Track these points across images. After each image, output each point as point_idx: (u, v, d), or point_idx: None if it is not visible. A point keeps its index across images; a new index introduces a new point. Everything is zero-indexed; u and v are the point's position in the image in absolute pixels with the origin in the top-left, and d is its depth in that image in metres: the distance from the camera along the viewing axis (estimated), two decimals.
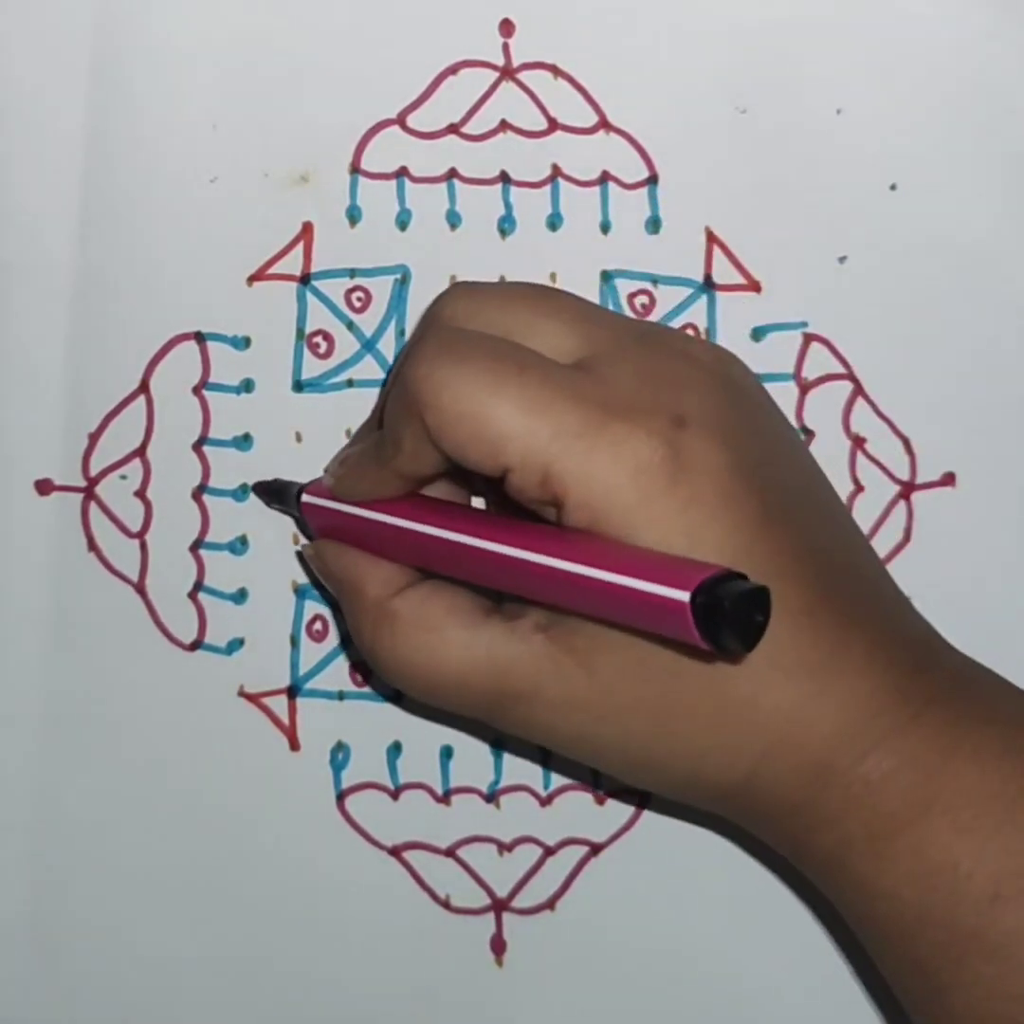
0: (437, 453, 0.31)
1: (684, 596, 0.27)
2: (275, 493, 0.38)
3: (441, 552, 0.32)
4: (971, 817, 0.30)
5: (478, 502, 0.37)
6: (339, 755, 0.39)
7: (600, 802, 0.40)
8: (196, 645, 0.39)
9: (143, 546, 0.39)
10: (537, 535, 0.31)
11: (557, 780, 0.40)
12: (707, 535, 0.30)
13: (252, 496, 0.39)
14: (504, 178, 0.39)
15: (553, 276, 0.39)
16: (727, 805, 0.33)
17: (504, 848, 0.40)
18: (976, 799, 0.30)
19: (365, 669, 0.40)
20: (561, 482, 0.30)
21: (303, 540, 0.39)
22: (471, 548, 0.32)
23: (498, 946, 0.39)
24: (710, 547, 0.30)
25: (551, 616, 0.32)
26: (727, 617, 0.27)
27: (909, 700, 0.31)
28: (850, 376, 0.40)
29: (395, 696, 0.40)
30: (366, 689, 0.40)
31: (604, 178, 0.39)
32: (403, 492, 0.34)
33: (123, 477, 0.39)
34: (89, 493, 0.39)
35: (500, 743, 0.39)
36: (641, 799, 0.39)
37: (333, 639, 0.40)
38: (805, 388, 0.40)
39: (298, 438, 0.39)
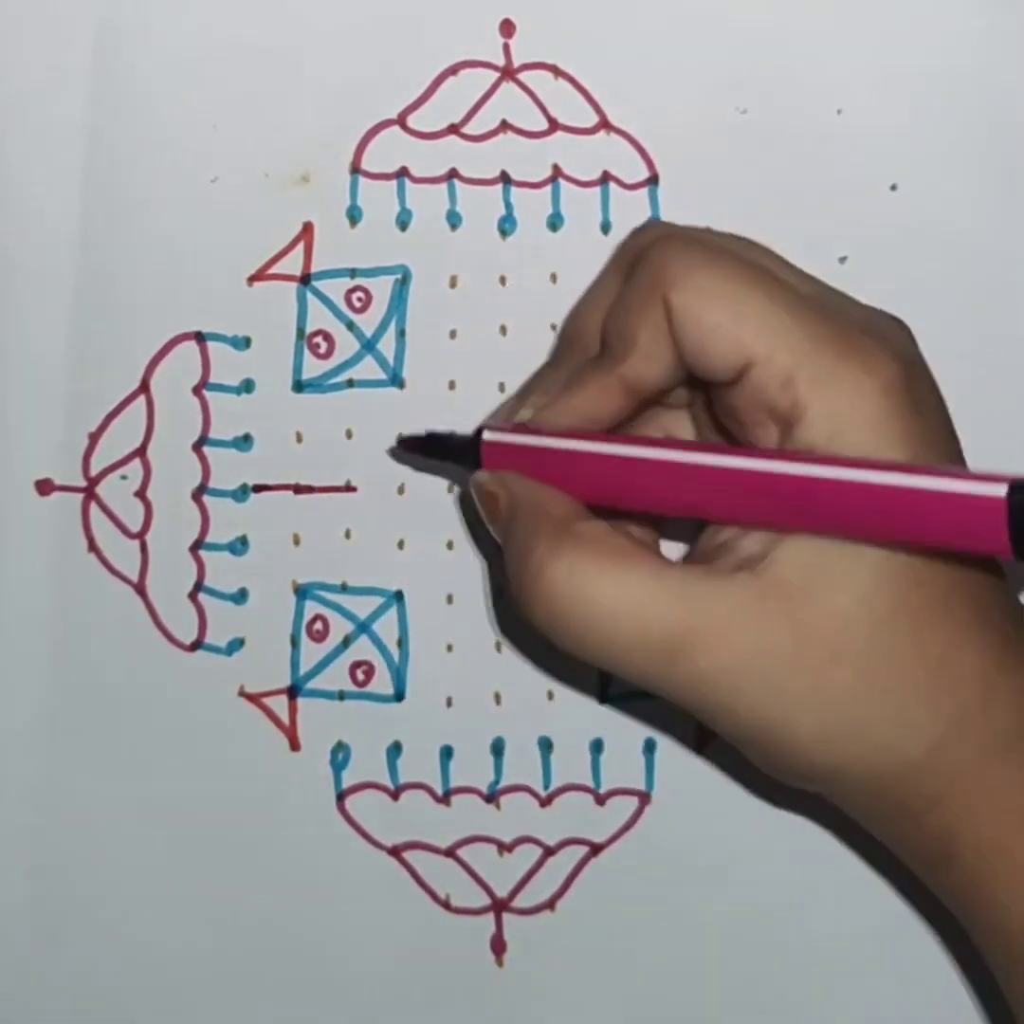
0: (672, 352, 0.30)
1: (1000, 491, 0.26)
2: (434, 448, 0.36)
3: (660, 479, 0.31)
4: None
5: None
6: (339, 755, 0.39)
7: (600, 802, 0.40)
8: (196, 645, 0.39)
9: (143, 546, 0.39)
10: (785, 454, 0.30)
11: (557, 780, 0.40)
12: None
13: (252, 496, 0.39)
14: (505, 178, 0.39)
15: (554, 277, 0.39)
16: (894, 790, 0.31)
17: (504, 848, 0.40)
18: None
19: (366, 669, 0.40)
20: (807, 385, 0.29)
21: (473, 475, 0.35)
22: (706, 468, 0.30)
23: (498, 946, 0.39)
24: None
25: (752, 557, 0.30)
26: None
27: None
28: None
29: (396, 696, 0.40)
30: (366, 689, 0.40)
31: (605, 178, 0.39)
32: (621, 413, 0.32)
33: (123, 477, 0.39)
34: (89, 493, 0.39)
35: (500, 743, 0.39)
36: (641, 798, 0.39)
37: (333, 639, 0.40)
38: None
39: (299, 438, 0.39)
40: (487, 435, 0.34)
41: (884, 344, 0.30)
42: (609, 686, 0.40)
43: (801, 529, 0.30)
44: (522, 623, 0.32)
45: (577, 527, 0.31)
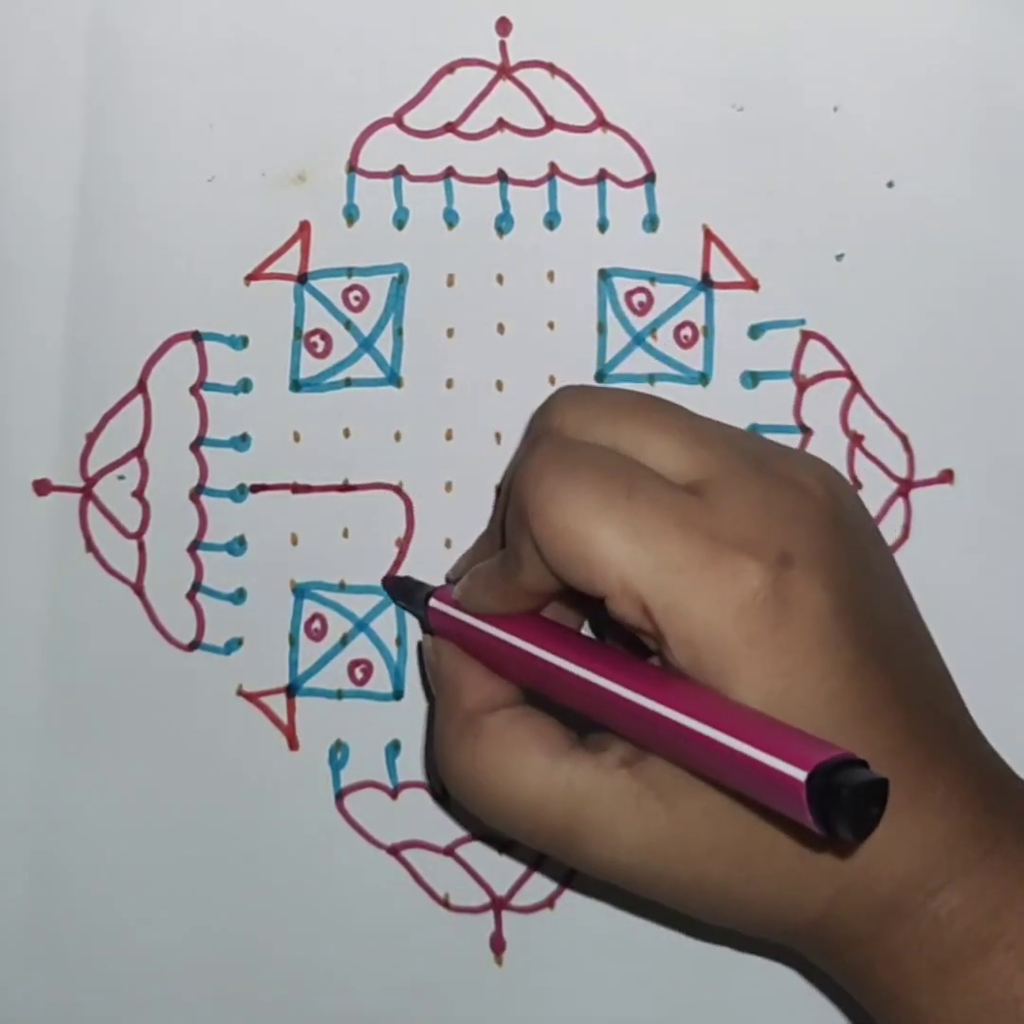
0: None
1: (800, 775, 0.27)
2: (403, 593, 0.39)
3: (548, 675, 0.32)
4: None
5: None
6: (338, 754, 0.39)
7: None
8: (195, 645, 0.39)
9: (141, 546, 0.39)
10: (647, 677, 0.31)
11: None
12: (803, 677, 0.30)
13: (249, 496, 0.39)
14: (502, 176, 0.39)
15: (551, 274, 0.39)
16: (799, 941, 0.33)
17: (503, 847, 0.40)
18: None
19: (364, 668, 0.40)
20: (661, 615, 0.30)
21: (422, 635, 0.39)
22: (578, 678, 0.31)
23: (498, 945, 0.39)
24: (805, 689, 0.30)
25: (637, 752, 0.31)
26: (843, 805, 0.26)
27: (980, 839, 0.31)
28: (848, 373, 0.40)
29: (395, 695, 0.40)
30: (364, 688, 0.40)
31: (602, 176, 0.39)
32: (527, 608, 0.33)
33: (121, 477, 0.39)
34: (87, 493, 0.39)
35: None
36: None
37: (331, 638, 0.40)
38: (803, 386, 0.40)
39: (296, 438, 0.39)
40: (432, 603, 0.36)
41: (747, 555, 0.30)
42: None
43: (643, 747, 0.31)
44: None
45: (481, 721, 0.33)
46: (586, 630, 0.37)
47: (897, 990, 0.31)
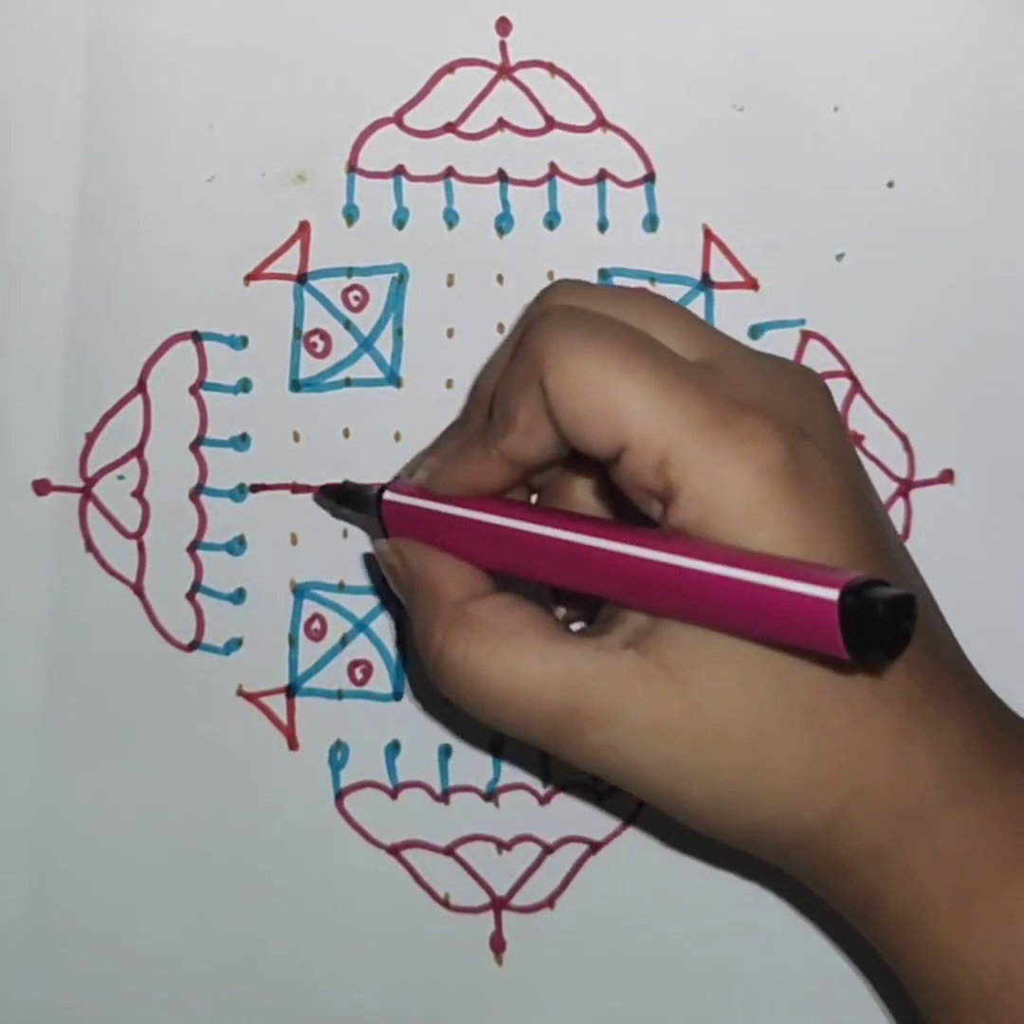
0: (550, 431, 0.30)
1: (832, 594, 0.26)
2: (346, 497, 0.37)
3: (539, 552, 0.31)
4: None
5: None
6: (338, 754, 0.40)
7: (599, 800, 0.40)
8: (194, 645, 0.39)
9: (141, 546, 0.39)
10: (652, 538, 0.30)
11: (556, 778, 0.40)
12: (824, 549, 0.29)
13: (249, 496, 0.39)
14: (501, 176, 0.39)
15: (551, 274, 0.39)
16: (803, 853, 0.31)
17: (503, 846, 0.40)
18: None
19: (364, 668, 0.40)
20: (680, 469, 0.29)
21: (372, 541, 0.37)
22: (576, 546, 0.30)
23: (498, 945, 0.39)
24: (826, 562, 0.29)
25: (641, 632, 0.30)
26: (878, 621, 0.26)
27: (994, 752, 0.30)
28: (848, 374, 0.40)
29: (395, 695, 0.40)
30: (364, 688, 0.40)
31: (601, 176, 0.39)
32: (507, 483, 0.32)
33: (120, 477, 0.39)
34: (87, 493, 0.39)
35: (498, 742, 0.39)
36: None
37: (331, 638, 0.40)
38: None
39: (296, 438, 0.39)
40: (387, 496, 0.34)
41: (766, 421, 0.29)
42: None
43: (656, 612, 0.30)
44: None
45: (470, 609, 0.32)
46: None
47: (914, 915, 0.30)
